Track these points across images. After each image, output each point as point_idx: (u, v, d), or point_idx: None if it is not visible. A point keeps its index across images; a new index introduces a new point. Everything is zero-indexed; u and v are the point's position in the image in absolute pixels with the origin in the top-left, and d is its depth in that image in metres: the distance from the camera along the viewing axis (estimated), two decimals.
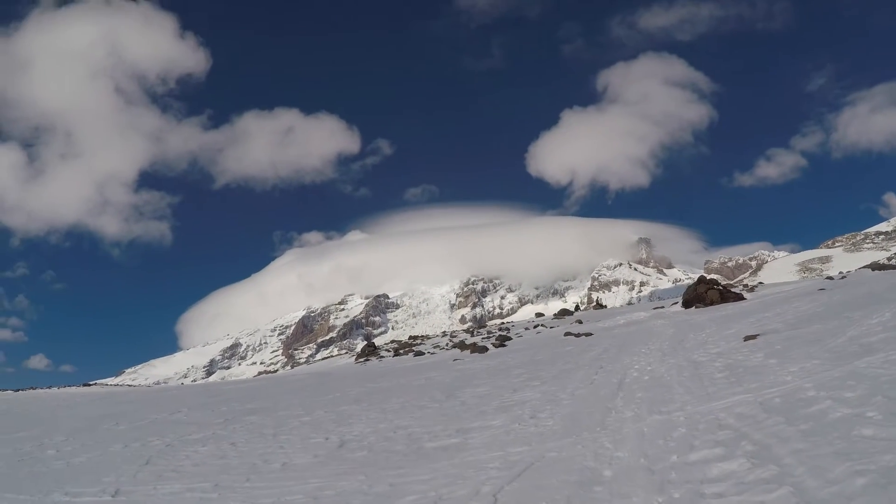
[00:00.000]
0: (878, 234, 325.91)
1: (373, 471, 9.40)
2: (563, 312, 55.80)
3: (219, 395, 23.97)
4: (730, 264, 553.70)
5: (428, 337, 56.15)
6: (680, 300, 42.87)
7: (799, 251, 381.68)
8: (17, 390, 46.40)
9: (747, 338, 16.00)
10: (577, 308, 67.99)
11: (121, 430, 15.71)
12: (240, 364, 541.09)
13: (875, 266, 42.39)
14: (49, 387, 50.69)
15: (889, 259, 73.09)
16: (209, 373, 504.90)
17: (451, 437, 11.12)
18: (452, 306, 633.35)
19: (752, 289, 47.31)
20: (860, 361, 10.13)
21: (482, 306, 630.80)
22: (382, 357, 41.25)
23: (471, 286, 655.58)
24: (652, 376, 13.90)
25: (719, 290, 38.35)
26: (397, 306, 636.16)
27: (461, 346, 36.96)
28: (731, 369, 12.45)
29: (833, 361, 10.72)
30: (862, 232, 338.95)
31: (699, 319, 26.90)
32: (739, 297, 37.66)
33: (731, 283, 45.05)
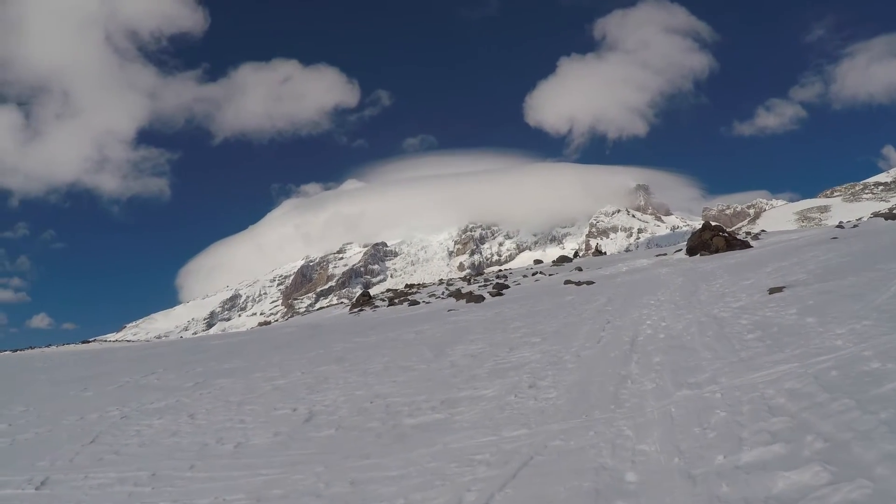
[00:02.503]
0: (877, 184, 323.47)
1: (336, 459, 7.71)
2: (562, 259, 54.25)
3: (202, 352, 22.66)
4: (728, 212, 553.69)
5: (424, 285, 54.55)
6: (683, 247, 41.48)
7: (797, 200, 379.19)
8: (16, 350, 45.39)
9: (772, 290, 14.26)
10: (575, 255, 66.61)
11: (86, 398, 14.27)
12: (240, 315, 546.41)
13: (889, 215, 40.85)
14: (48, 345, 49.77)
15: (891, 209, 71.44)
16: (209, 325, 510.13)
17: (435, 410, 9.42)
18: (450, 253, 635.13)
19: (755, 236, 45.63)
20: None
21: (480, 253, 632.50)
22: (377, 307, 39.85)
23: (469, 233, 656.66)
24: (668, 334, 12.17)
25: (725, 237, 36.82)
26: (396, 254, 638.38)
27: (457, 295, 35.49)
28: (763, 329, 10.68)
29: (889, 323, 8.96)
30: (861, 182, 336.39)
31: (707, 268, 25.28)
32: (746, 245, 36.22)
33: (731, 230, 43.57)
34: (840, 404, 6.17)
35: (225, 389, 13.65)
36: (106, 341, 58.58)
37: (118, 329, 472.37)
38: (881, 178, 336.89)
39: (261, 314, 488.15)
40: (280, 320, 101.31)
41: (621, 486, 5.49)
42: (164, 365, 18.92)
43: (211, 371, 16.69)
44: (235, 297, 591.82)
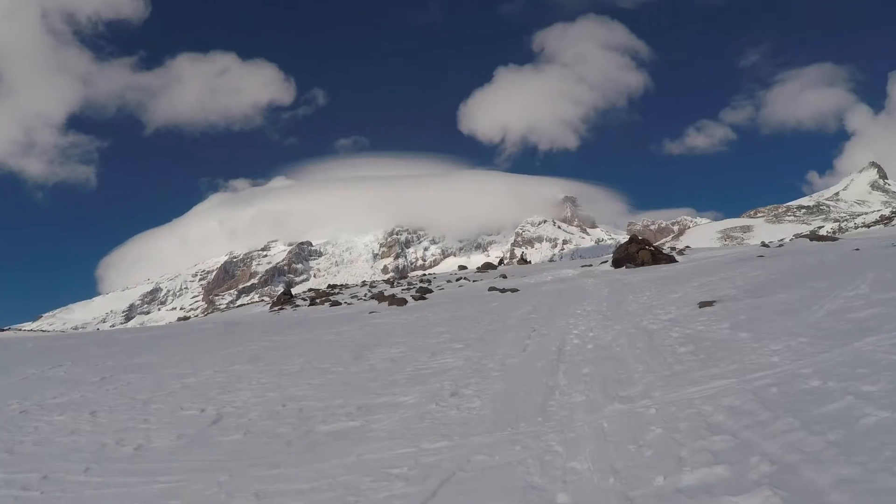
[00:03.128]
0: (799, 207, 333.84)
1: (241, 467, 7.02)
2: (487, 266, 54.07)
3: (115, 344, 21.73)
4: (653, 227, 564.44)
5: (347, 286, 53.75)
6: (608, 259, 41.64)
7: (721, 219, 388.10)
8: None
9: (703, 304, 14.00)
10: (500, 262, 66.36)
11: None
12: (160, 309, 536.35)
13: (814, 236, 41.61)
14: None
15: (814, 231, 73.53)
16: (128, 318, 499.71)
17: (351, 417, 8.77)
18: (375, 256, 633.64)
19: (681, 251, 46.09)
20: (861, 343, 8.08)
21: (405, 257, 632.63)
22: (298, 306, 39.01)
23: (395, 236, 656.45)
24: (597, 345, 11.75)
25: (651, 250, 37.12)
26: (320, 254, 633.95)
27: (380, 297, 34.84)
28: (696, 342, 10.33)
29: (824, 340, 8.67)
30: (784, 205, 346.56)
31: (634, 280, 25.18)
32: (672, 260, 36.55)
33: (656, 245, 43.82)
34: (784, 423, 5.76)
35: (132, 385, 12.87)
36: (21, 330, 56.38)
37: (34, 318, 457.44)
38: (804, 201, 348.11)
39: (181, 309, 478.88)
40: (200, 316, 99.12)
41: None
42: (74, 357, 18.08)
43: (121, 365, 15.89)
44: (156, 290, 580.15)
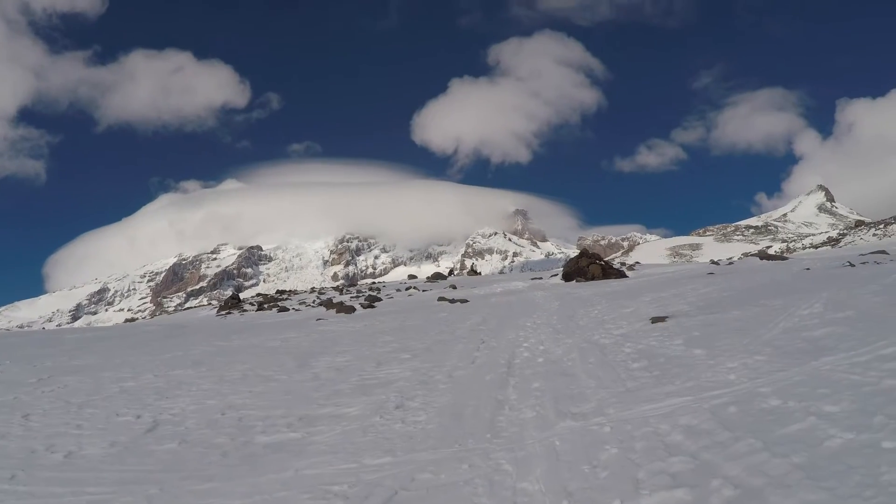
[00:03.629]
0: (748, 227, 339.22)
1: (173, 480, 6.55)
2: (437, 276, 53.72)
3: (57, 345, 20.77)
4: (602, 242, 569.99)
5: (296, 292, 52.93)
6: (558, 272, 41.58)
7: (671, 236, 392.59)
8: None
9: (655, 319, 13.79)
10: (451, 273, 66.10)
11: None
12: (107, 310, 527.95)
13: (763, 255, 42.00)
14: None
15: (763, 251, 74.54)
16: (75, 318, 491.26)
17: (292, 428, 8.32)
18: (326, 263, 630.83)
19: (631, 267, 46.28)
20: (818, 362, 7.88)
21: (355, 265, 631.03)
22: (245, 311, 38.23)
23: (345, 244, 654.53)
24: (547, 358, 11.45)
25: (601, 265, 37.12)
26: (270, 259, 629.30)
27: (328, 304, 34.29)
28: (649, 358, 10.07)
29: (781, 359, 8.46)
30: (733, 224, 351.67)
31: (584, 294, 25.02)
32: (622, 275, 36.56)
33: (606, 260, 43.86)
34: (745, 444, 5.49)
35: (69, 388, 12.21)
36: None
37: None
38: (752, 221, 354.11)
39: (128, 310, 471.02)
40: (147, 318, 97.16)
41: None
42: (13, 357, 17.31)
43: (60, 367, 15.18)
44: (104, 290, 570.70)
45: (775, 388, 7.08)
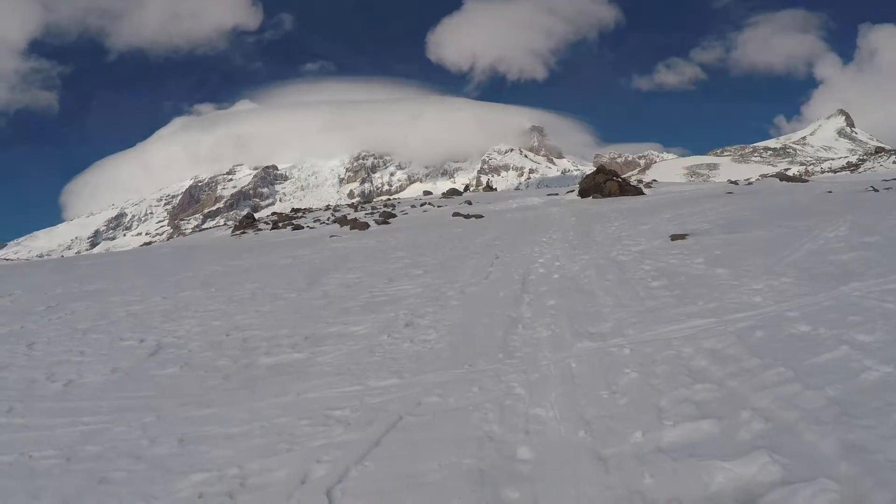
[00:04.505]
0: (766, 149, 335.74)
1: (171, 406, 6.22)
2: (452, 192, 53.35)
3: (69, 272, 20.65)
4: (619, 160, 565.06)
5: (311, 210, 52.70)
6: (574, 189, 41.07)
7: (688, 155, 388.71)
8: None
9: (674, 237, 13.34)
10: (466, 189, 65.56)
11: None
12: (125, 235, 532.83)
13: (782, 177, 41.29)
14: None
15: (783, 172, 73.58)
16: (93, 244, 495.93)
17: (297, 348, 7.99)
18: (341, 180, 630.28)
19: (648, 185, 45.59)
20: (847, 287, 7.46)
21: (371, 182, 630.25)
22: (260, 230, 38.17)
23: (361, 161, 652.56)
24: (563, 275, 11.08)
25: (618, 182, 36.57)
26: (286, 178, 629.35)
27: (342, 221, 34.15)
28: (669, 277, 9.66)
29: (808, 282, 8.03)
30: (751, 145, 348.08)
31: (601, 210, 24.62)
32: (639, 192, 36.07)
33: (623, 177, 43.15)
34: (774, 373, 5.09)
35: (76, 314, 11.93)
36: None
37: (0, 247, 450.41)
38: (771, 143, 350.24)
39: (146, 234, 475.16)
40: (164, 241, 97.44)
41: (512, 467, 4.24)
42: (25, 285, 17.06)
43: (70, 293, 14.88)
44: (121, 215, 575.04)
45: (803, 312, 6.68)
